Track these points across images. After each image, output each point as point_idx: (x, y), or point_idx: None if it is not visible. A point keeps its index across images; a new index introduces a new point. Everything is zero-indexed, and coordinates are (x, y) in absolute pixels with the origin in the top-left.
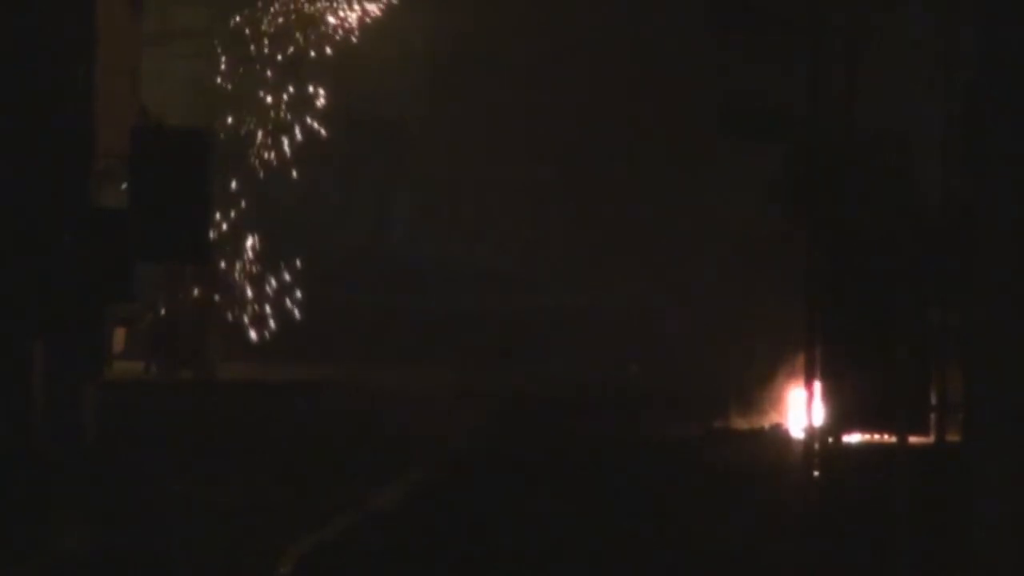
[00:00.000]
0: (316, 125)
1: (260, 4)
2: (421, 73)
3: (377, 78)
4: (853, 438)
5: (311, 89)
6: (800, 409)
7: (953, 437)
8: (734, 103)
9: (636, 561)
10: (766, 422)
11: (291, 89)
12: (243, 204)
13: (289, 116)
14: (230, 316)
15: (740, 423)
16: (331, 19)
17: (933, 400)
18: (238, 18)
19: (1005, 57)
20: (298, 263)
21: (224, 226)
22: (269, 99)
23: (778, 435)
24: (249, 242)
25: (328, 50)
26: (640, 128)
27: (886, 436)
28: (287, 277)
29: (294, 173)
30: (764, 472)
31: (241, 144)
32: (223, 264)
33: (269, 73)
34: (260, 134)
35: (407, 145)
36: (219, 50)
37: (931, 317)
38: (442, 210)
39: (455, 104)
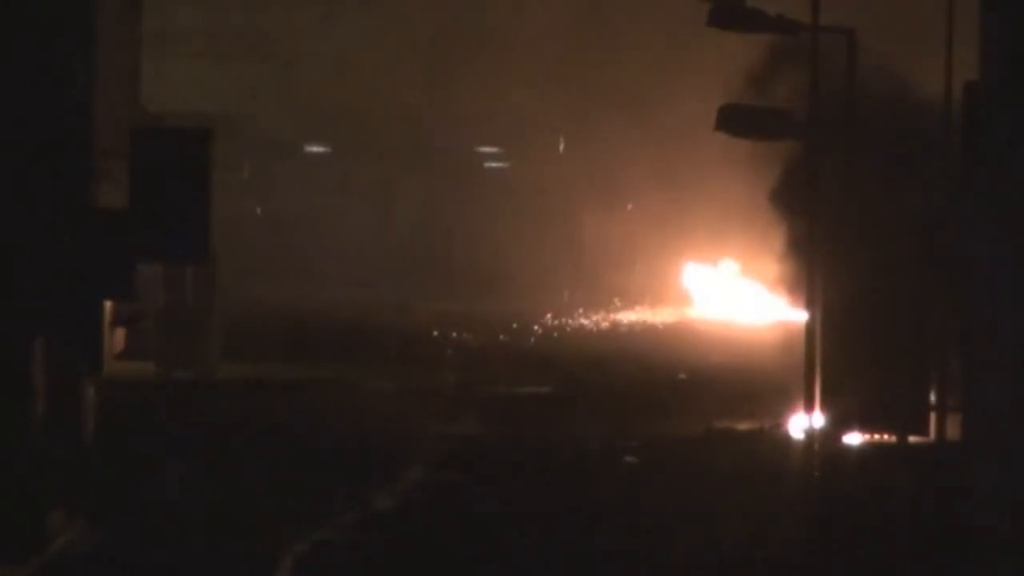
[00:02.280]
0: None
1: None
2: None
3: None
4: (853, 438)
5: None
6: (800, 410)
7: (953, 437)
8: (735, 104)
9: (636, 560)
10: (766, 423)
11: None
12: None
13: None
14: None
15: (741, 423)
16: None
17: (933, 400)
18: None
19: (1006, 57)
20: None
21: None
22: None
23: (777, 435)
24: None
25: None
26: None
27: (886, 436)
28: None
29: None
30: (764, 472)
31: None
32: None
33: None
34: None
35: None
36: None
37: (932, 318)
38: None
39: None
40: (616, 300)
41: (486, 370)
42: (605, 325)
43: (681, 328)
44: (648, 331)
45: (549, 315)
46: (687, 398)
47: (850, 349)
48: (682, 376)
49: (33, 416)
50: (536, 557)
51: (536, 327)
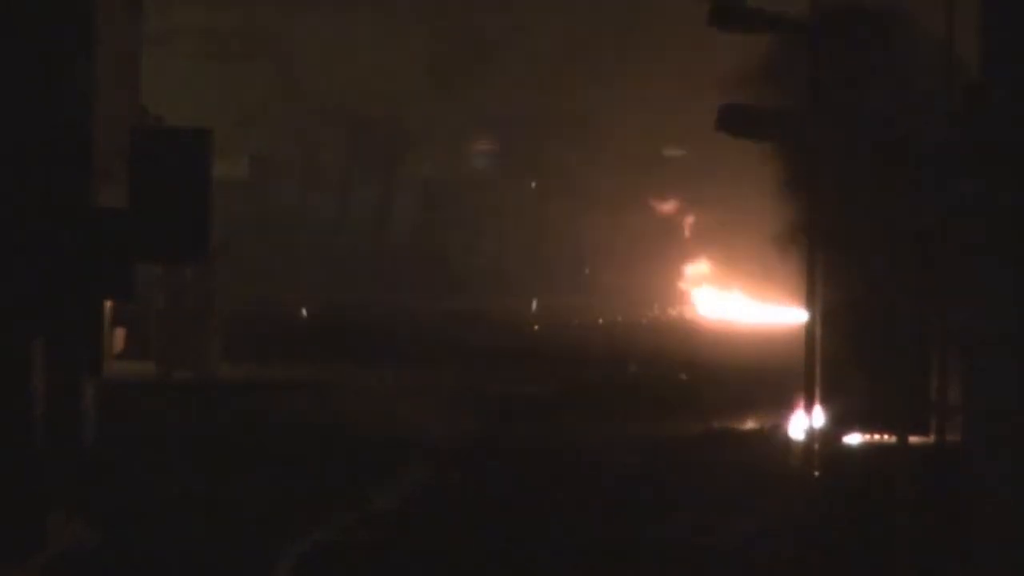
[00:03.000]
0: None
1: None
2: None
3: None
4: (853, 438)
5: None
6: (800, 410)
7: (953, 437)
8: (733, 103)
9: (636, 560)
10: (766, 423)
11: None
12: None
13: None
14: None
15: (740, 423)
16: None
17: (933, 400)
18: None
19: (1006, 57)
20: None
21: None
22: None
23: (777, 436)
24: None
25: None
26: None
27: (886, 436)
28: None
29: None
30: (764, 472)
31: None
32: None
33: None
34: None
35: (406, 145)
36: None
37: (931, 318)
38: (443, 210)
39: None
40: (616, 299)
41: (486, 370)
42: (602, 323)
43: (683, 326)
44: (648, 330)
45: (544, 316)
46: (688, 397)
47: (850, 349)
48: (683, 376)
49: (33, 417)
50: (537, 556)
51: (536, 326)
